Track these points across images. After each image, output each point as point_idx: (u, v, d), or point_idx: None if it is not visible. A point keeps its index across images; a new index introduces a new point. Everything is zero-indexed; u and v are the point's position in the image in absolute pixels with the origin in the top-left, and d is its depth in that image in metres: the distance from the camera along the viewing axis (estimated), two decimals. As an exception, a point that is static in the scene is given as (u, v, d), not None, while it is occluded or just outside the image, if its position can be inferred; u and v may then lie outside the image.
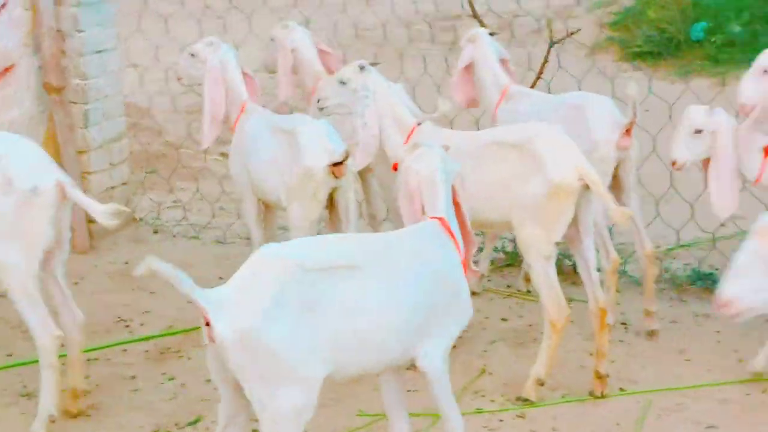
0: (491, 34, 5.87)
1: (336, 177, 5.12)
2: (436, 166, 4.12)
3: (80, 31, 6.86)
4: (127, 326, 5.82)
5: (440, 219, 4.06)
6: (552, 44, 6.36)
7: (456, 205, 4.19)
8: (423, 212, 4.12)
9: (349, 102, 5.20)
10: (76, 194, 4.63)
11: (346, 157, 5.10)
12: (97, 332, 5.69)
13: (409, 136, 5.11)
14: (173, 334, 5.66)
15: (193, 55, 5.75)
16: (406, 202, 4.19)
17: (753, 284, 3.40)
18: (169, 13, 7.53)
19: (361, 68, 5.18)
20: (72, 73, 6.91)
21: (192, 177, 7.79)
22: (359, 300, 3.69)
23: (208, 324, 3.49)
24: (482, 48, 5.74)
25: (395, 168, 5.05)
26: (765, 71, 5.07)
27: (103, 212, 4.52)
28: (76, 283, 6.40)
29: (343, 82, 5.21)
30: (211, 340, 3.50)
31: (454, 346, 5.20)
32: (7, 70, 6.58)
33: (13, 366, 5.32)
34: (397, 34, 7.96)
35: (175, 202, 7.79)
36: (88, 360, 5.32)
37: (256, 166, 5.43)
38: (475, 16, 6.85)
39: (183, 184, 8.11)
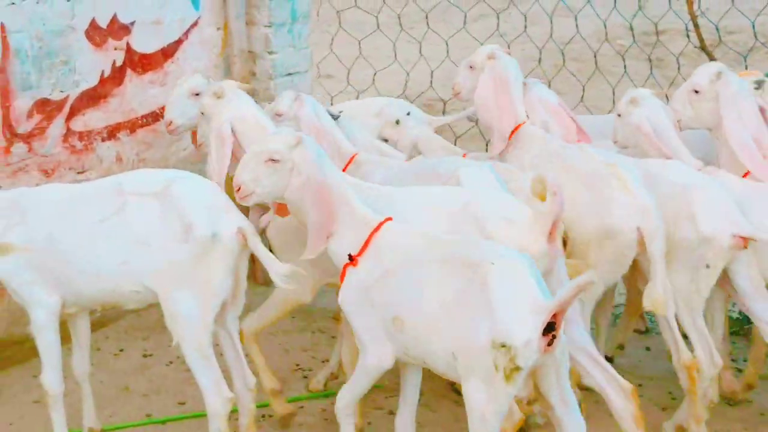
0: None
1: None
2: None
3: (272, 53, 6.56)
4: (305, 377, 5.41)
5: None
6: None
7: None
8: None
9: None
10: (256, 244, 4.25)
11: None
12: (273, 382, 5.34)
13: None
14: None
15: (471, 67, 5.25)
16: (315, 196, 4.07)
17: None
18: (363, 34, 7.12)
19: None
20: (261, 96, 6.61)
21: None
22: None
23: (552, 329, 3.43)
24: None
25: None
26: (692, 90, 4.84)
27: (279, 273, 4.14)
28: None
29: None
30: (548, 349, 3.45)
31: None
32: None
33: (184, 418, 5.01)
34: (599, 48, 7.36)
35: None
36: (262, 416, 4.97)
37: None
38: (696, 30, 6.12)
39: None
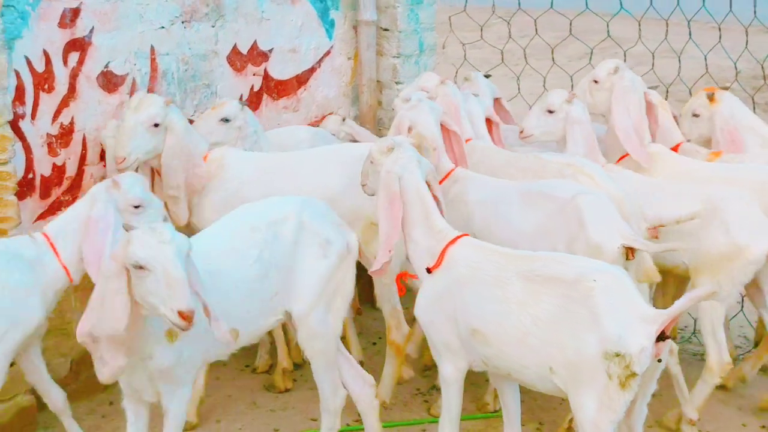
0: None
1: None
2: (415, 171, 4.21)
3: (399, 83, 6.70)
4: (426, 401, 5.48)
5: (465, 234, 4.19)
6: None
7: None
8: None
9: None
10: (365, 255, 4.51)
11: None
12: (395, 404, 5.40)
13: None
14: (474, 418, 5.26)
15: (596, 81, 5.57)
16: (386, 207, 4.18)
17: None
18: (488, 67, 7.22)
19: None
20: (386, 125, 6.74)
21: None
22: None
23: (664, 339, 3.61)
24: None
25: None
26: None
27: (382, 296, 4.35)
28: (374, 344, 6.19)
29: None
30: (657, 356, 3.62)
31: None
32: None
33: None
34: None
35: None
36: None
37: None
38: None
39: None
